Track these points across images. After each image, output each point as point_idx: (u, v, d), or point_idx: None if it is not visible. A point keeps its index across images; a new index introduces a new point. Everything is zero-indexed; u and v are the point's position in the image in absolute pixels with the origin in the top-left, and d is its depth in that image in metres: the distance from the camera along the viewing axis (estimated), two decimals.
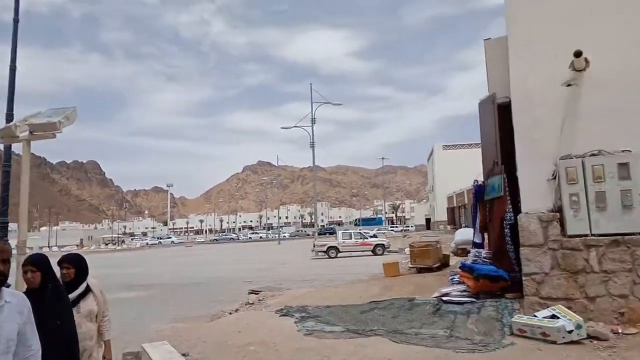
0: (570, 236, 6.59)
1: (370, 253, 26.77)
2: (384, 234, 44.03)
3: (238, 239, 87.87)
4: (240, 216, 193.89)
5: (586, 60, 6.81)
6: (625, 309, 6.22)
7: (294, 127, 39.81)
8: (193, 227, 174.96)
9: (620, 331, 5.89)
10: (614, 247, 6.38)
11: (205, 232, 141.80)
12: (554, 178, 6.93)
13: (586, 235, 6.52)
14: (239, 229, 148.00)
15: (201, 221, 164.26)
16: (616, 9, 7.01)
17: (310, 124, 37.70)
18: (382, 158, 73.57)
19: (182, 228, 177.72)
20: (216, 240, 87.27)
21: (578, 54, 6.64)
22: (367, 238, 28.82)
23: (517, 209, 7.50)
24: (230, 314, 9.65)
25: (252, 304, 10.38)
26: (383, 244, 28.01)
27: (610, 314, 6.27)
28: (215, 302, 11.95)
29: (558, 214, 6.77)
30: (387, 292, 9.66)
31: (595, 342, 5.60)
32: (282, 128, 42.03)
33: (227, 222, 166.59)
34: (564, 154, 6.88)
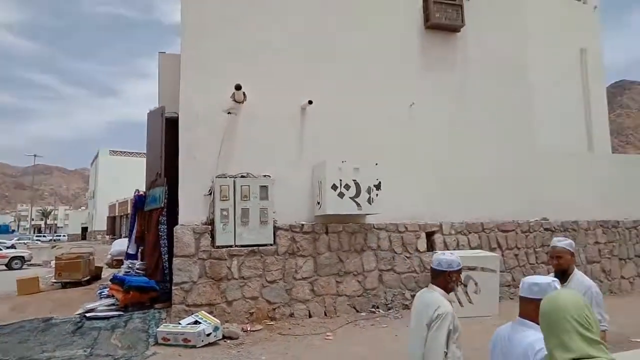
0: (219, 247, 7.33)
1: (5, 267, 22.27)
2: (25, 244, 37.21)
3: None
4: None
5: (244, 94, 7.85)
6: (255, 309, 7.35)
7: None
8: None
9: (249, 329, 6.90)
10: (251, 257, 7.47)
11: None
12: (210, 194, 7.59)
13: (231, 246, 7.40)
14: None
15: None
16: (272, 58, 8.38)
17: None
18: (35, 155, 61.03)
19: None
20: None
21: (238, 87, 7.59)
22: (1, 250, 23.87)
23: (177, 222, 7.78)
24: None
25: None
26: (22, 257, 23.78)
27: (243, 315, 7.27)
28: None
29: (210, 226, 7.43)
30: (19, 314, 8.19)
31: (229, 341, 6.35)
32: None
33: None
34: (220, 173, 7.65)
